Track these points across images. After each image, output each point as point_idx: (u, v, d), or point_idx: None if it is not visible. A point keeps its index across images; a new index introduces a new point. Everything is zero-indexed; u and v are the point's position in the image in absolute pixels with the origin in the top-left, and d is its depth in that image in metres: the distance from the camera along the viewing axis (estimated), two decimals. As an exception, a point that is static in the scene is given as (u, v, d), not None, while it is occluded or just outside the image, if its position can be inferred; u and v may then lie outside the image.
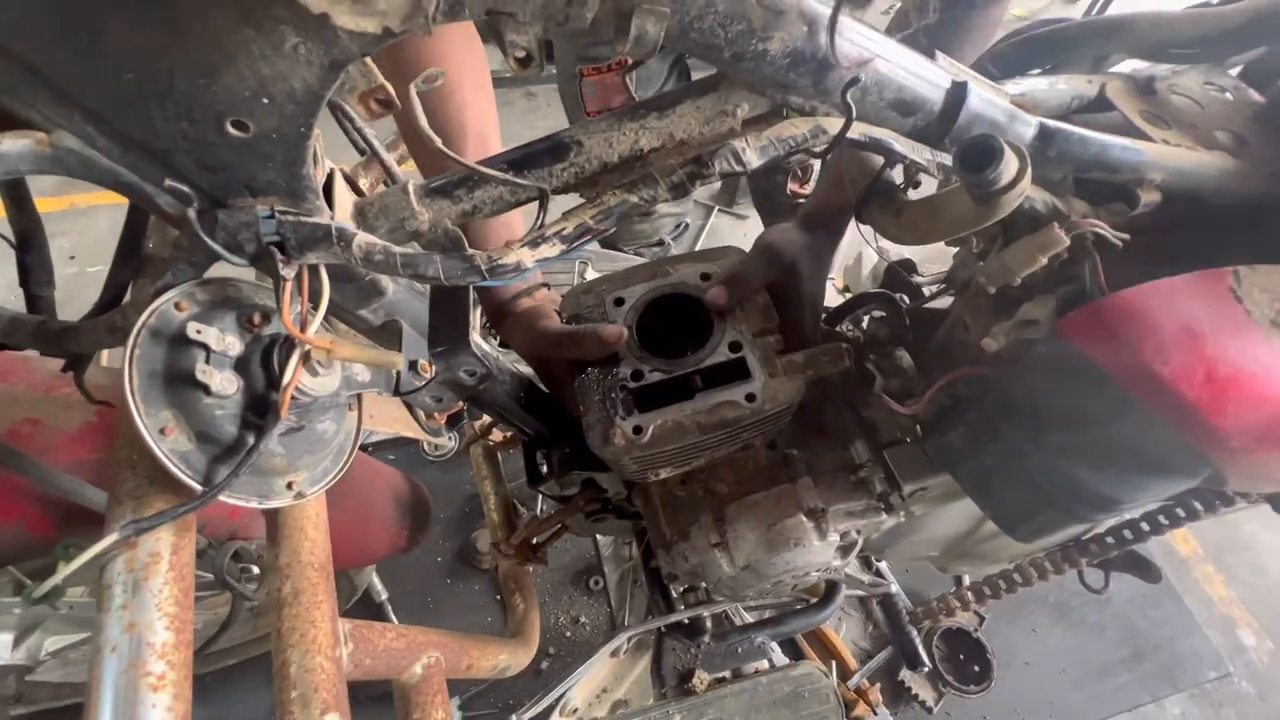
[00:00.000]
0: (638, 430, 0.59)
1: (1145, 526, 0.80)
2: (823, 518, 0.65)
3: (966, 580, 0.96)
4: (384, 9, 0.24)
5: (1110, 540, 0.80)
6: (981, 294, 0.54)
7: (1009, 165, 0.34)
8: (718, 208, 2.32)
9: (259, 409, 0.33)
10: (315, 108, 0.30)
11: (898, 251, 0.87)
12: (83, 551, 0.32)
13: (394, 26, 0.25)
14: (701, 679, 0.78)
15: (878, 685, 1.14)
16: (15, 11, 0.25)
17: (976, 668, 1.19)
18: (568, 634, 1.20)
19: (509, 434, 0.91)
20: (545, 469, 0.75)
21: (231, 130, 0.30)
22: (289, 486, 0.35)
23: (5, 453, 0.42)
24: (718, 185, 2.39)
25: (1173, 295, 0.45)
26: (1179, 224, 0.53)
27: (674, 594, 0.86)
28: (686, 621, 0.82)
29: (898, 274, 0.80)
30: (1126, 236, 0.48)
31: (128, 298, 0.41)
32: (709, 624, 0.82)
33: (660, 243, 1.25)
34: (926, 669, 1.15)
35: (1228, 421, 0.44)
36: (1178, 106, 0.55)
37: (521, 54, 0.33)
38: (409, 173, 0.46)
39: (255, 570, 0.62)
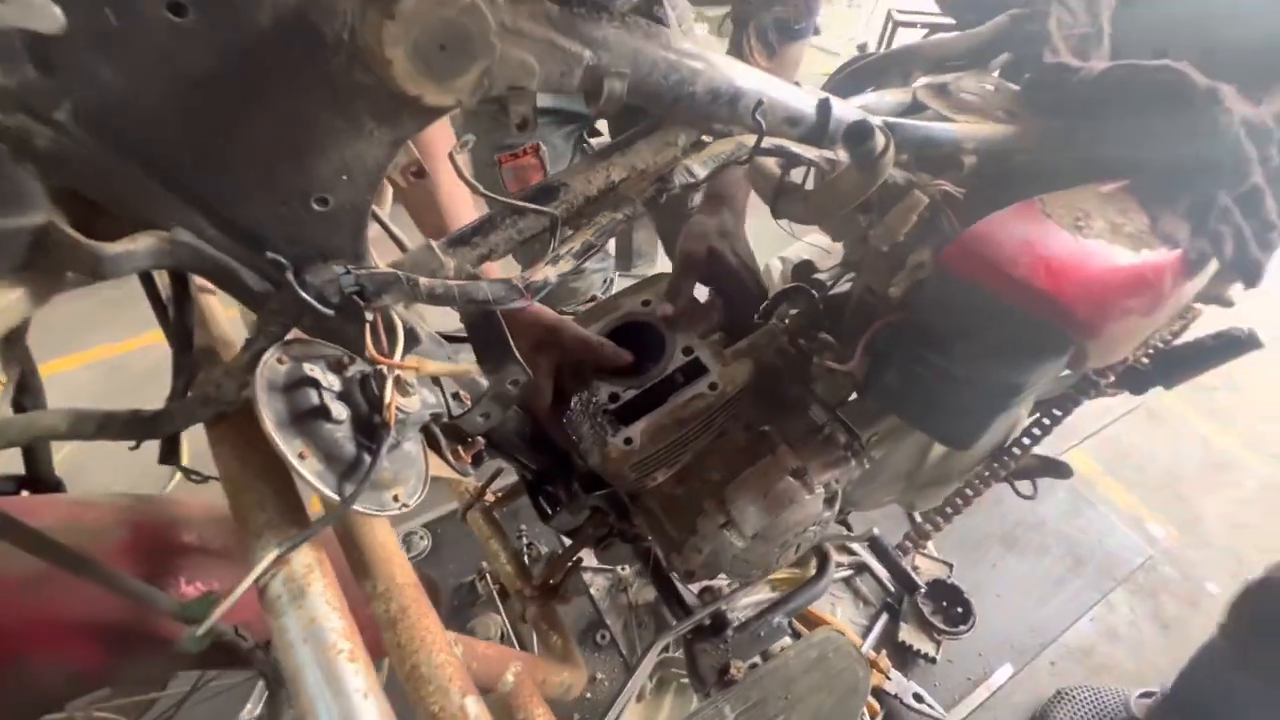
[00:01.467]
0: (629, 441, 0.68)
1: (1045, 423, 0.97)
2: (805, 474, 0.75)
3: (918, 517, 1.09)
4: (459, 88, 0.33)
5: (1027, 440, 0.96)
6: (879, 256, 0.68)
7: (879, 138, 0.48)
8: (618, 273, 2.49)
9: (367, 432, 0.38)
10: (378, 180, 0.39)
11: (795, 254, 1.03)
12: (224, 599, 0.35)
13: (465, 101, 0.34)
14: (738, 668, 0.83)
15: (883, 652, 1.23)
16: (157, 128, 0.32)
17: (959, 609, 1.31)
18: (588, 695, 1.19)
19: (499, 494, 0.94)
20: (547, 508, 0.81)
21: (315, 206, 0.37)
22: (395, 499, 0.40)
23: (78, 560, 0.43)
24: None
25: (1006, 221, 0.61)
26: (994, 181, 0.71)
27: (689, 602, 0.91)
28: (708, 622, 0.88)
29: (803, 272, 0.95)
30: (963, 190, 0.64)
31: (203, 377, 0.45)
32: (729, 618, 0.88)
33: (594, 298, 1.37)
34: (923, 590, 1.25)
35: (1070, 298, 0.59)
36: (966, 100, 0.74)
37: (520, 120, 0.43)
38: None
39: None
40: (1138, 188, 0.67)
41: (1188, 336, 1.05)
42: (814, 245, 1.04)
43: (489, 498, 0.93)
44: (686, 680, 1.16)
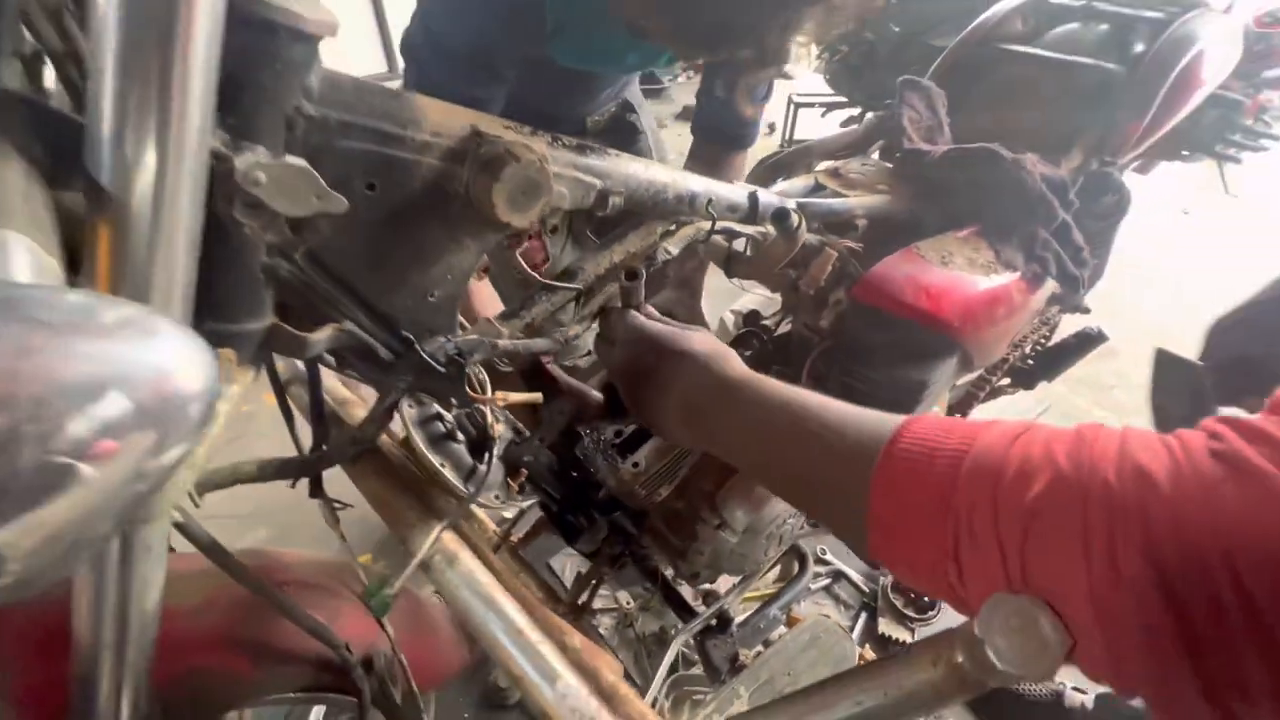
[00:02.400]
0: (636, 465, 0.85)
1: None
2: (778, 476, 0.92)
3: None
4: (530, 214, 0.52)
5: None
6: (807, 299, 0.90)
7: (794, 217, 0.70)
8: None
9: (477, 450, 0.54)
10: (469, 278, 0.57)
11: (744, 306, 1.25)
12: (396, 576, 0.49)
13: (533, 222, 0.53)
14: (746, 655, 0.97)
15: (867, 645, 1.37)
16: (346, 257, 0.49)
17: (927, 599, 1.48)
18: None
19: (520, 536, 1.07)
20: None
21: (429, 299, 0.55)
22: (496, 497, 0.55)
23: (257, 582, 0.55)
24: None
25: (895, 264, 0.84)
26: (880, 236, 0.95)
27: (696, 608, 1.05)
28: (715, 621, 1.02)
29: (752, 319, 1.17)
30: (860, 244, 0.88)
31: (339, 431, 0.60)
32: (732, 616, 1.02)
33: (588, 353, 1.55)
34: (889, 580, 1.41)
35: (948, 314, 0.81)
36: (854, 178, 0.99)
37: (551, 227, 0.62)
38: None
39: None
40: (983, 231, 0.92)
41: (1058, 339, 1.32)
42: (758, 296, 1.26)
43: (513, 538, 1.05)
44: (699, 697, 1.27)
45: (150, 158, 0.28)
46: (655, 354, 0.58)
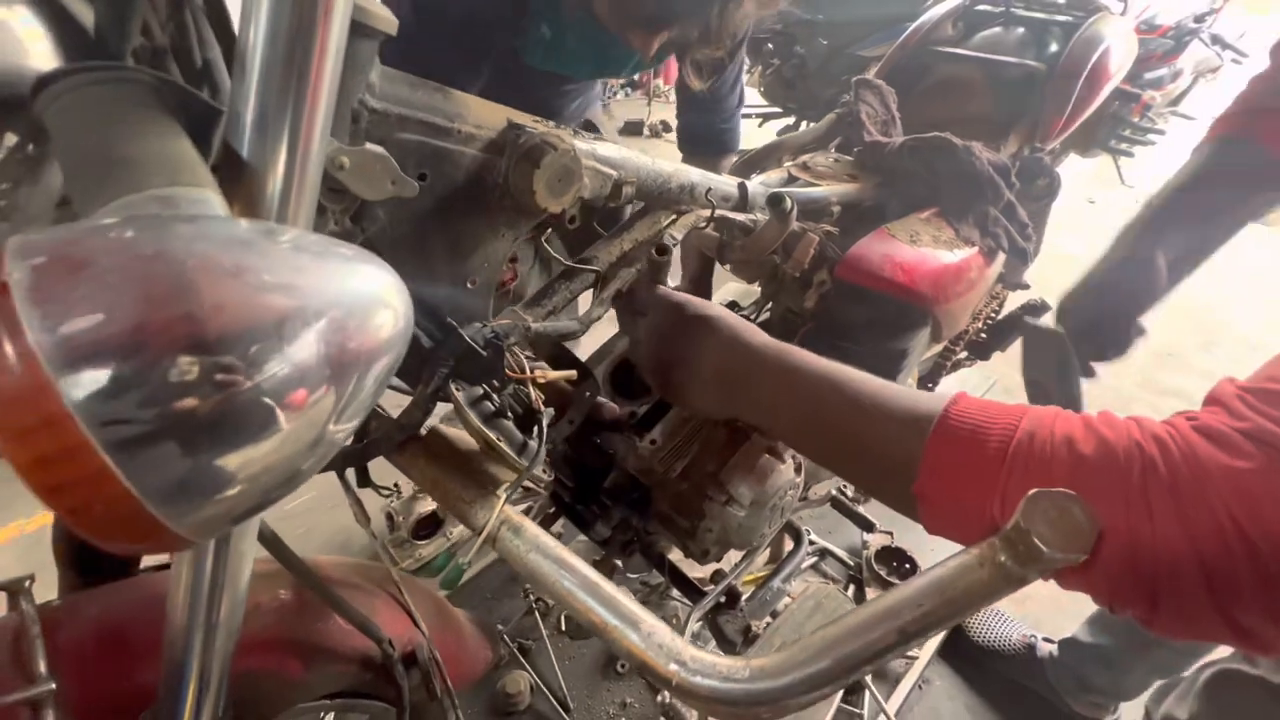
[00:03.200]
0: (653, 442, 0.89)
1: (929, 388, 1.29)
2: (776, 450, 0.98)
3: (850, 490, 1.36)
4: (566, 200, 0.56)
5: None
6: (792, 282, 0.96)
7: (788, 201, 0.76)
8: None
9: (524, 426, 0.56)
10: (503, 265, 0.60)
11: (723, 298, 1.31)
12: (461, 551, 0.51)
13: (568, 207, 0.56)
14: (757, 626, 1.01)
15: (858, 615, 1.43)
16: (393, 244, 0.51)
17: (908, 565, 1.56)
18: (622, 717, 1.29)
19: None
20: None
21: (469, 285, 0.58)
22: (544, 471, 0.57)
23: (317, 581, 0.55)
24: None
25: (870, 244, 0.91)
26: (853, 221, 1.03)
27: (703, 588, 1.09)
28: (724, 599, 1.06)
29: (732, 310, 1.23)
30: (837, 229, 0.95)
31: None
32: (740, 591, 1.07)
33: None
34: (879, 529, 1.49)
35: (921, 286, 0.89)
36: (822, 170, 1.07)
37: (571, 218, 0.66)
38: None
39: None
40: (942, 212, 1.01)
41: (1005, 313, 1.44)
42: (735, 288, 1.33)
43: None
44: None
45: (284, 137, 0.30)
46: (684, 321, 0.62)
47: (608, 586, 0.48)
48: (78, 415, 0.15)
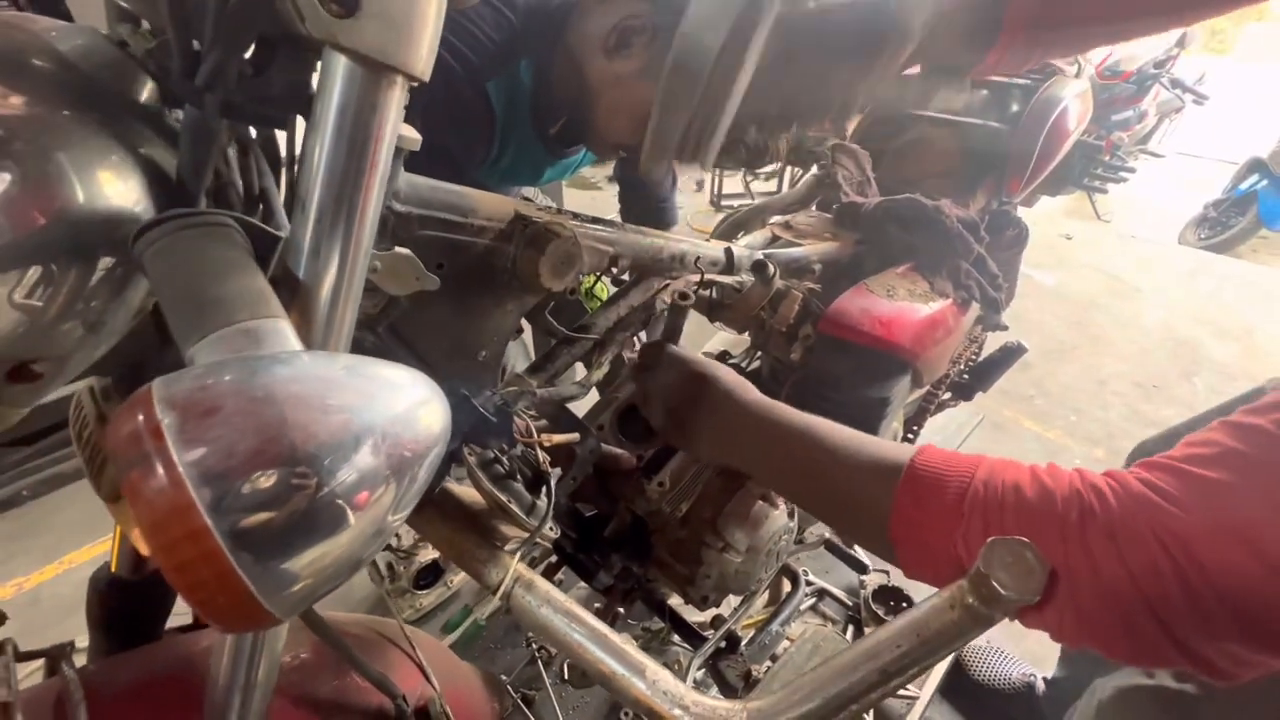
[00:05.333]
0: (661, 484, 0.93)
1: (914, 431, 1.34)
2: (769, 497, 1.02)
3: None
4: (566, 280, 0.62)
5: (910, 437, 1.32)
6: (779, 335, 1.02)
7: (772, 267, 0.82)
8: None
9: (533, 486, 0.60)
10: (510, 337, 0.65)
11: (714, 347, 1.37)
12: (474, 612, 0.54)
13: (569, 286, 0.62)
14: (758, 671, 1.04)
15: (858, 656, 1.45)
16: (415, 326, 0.57)
17: (904, 604, 1.58)
18: (627, 767, 1.28)
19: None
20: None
21: (479, 357, 0.63)
22: (551, 529, 0.61)
23: (335, 637, 0.58)
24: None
25: (850, 299, 0.98)
26: (833, 277, 1.09)
27: (703, 633, 1.11)
28: (724, 644, 1.08)
29: (723, 359, 1.28)
30: (819, 286, 1.01)
31: None
32: (739, 636, 1.09)
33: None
34: (874, 569, 1.51)
35: (899, 339, 0.95)
36: (803, 229, 1.14)
37: (570, 290, 0.72)
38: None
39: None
40: (917, 266, 1.08)
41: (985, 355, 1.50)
42: (726, 337, 1.39)
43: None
44: None
45: (335, 259, 0.36)
46: (693, 380, 0.68)
47: (615, 638, 0.52)
48: (212, 527, 0.20)
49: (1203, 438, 0.45)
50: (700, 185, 4.76)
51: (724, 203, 4.30)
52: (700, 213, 4.38)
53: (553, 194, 2.47)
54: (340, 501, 0.25)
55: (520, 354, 1.23)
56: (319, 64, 0.33)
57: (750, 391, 0.67)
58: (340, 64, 0.32)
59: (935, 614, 0.46)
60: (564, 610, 0.53)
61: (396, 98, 0.34)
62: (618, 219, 1.04)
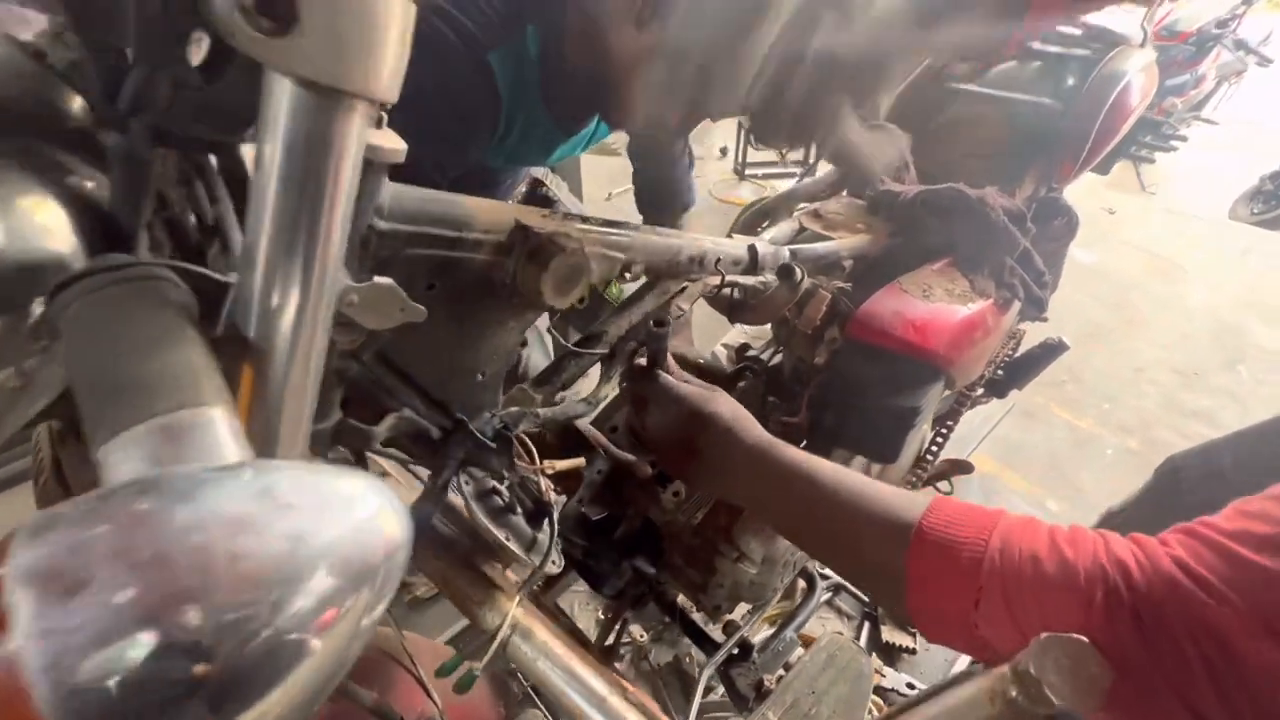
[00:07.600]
0: (676, 493, 0.88)
1: (944, 433, 1.27)
2: (788, 506, 0.97)
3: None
4: (573, 295, 0.56)
5: (935, 449, 1.25)
6: (803, 336, 0.96)
7: (798, 271, 0.75)
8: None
9: (533, 519, 0.56)
10: (511, 357, 0.60)
11: (732, 339, 1.31)
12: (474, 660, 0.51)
13: (575, 301, 0.57)
14: (770, 680, 1.01)
15: (873, 655, 1.42)
16: (407, 351, 0.52)
17: (922, 604, 1.54)
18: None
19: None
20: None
21: (478, 378, 0.58)
22: (553, 563, 0.57)
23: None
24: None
25: (882, 300, 0.91)
26: (865, 275, 1.02)
27: (716, 639, 1.09)
28: (737, 651, 1.05)
29: (743, 351, 1.22)
30: (849, 284, 0.94)
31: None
32: (752, 644, 1.06)
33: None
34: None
35: (934, 344, 0.88)
36: (833, 219, 1.06)
37: (580, 299, 0.66)
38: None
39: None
40: (956, 262, 1.00)
41: (1023, 349, 1.42)
42: (743, 332, 1.32)
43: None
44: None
45: (290, 314, 0.31)
46: (687, 418, 0.63)
47: (615, 702, 0.48)
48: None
49: (1260, 508, 0.39)
50: (724, 152, 4.59)
51: (748, 171, 4.14)
52: (723, 181, 4.22)
53: (569, 165, 2.37)
54: (294, 634, 0.20)
55: (539, 348, 1.17)
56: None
57: (751, 429, 0.62)
58: (285, 88, 0.26)
59: (972, 707, 0.41)
60: (564, 666, 0.49)
61: (356, 124, 0.28)
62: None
